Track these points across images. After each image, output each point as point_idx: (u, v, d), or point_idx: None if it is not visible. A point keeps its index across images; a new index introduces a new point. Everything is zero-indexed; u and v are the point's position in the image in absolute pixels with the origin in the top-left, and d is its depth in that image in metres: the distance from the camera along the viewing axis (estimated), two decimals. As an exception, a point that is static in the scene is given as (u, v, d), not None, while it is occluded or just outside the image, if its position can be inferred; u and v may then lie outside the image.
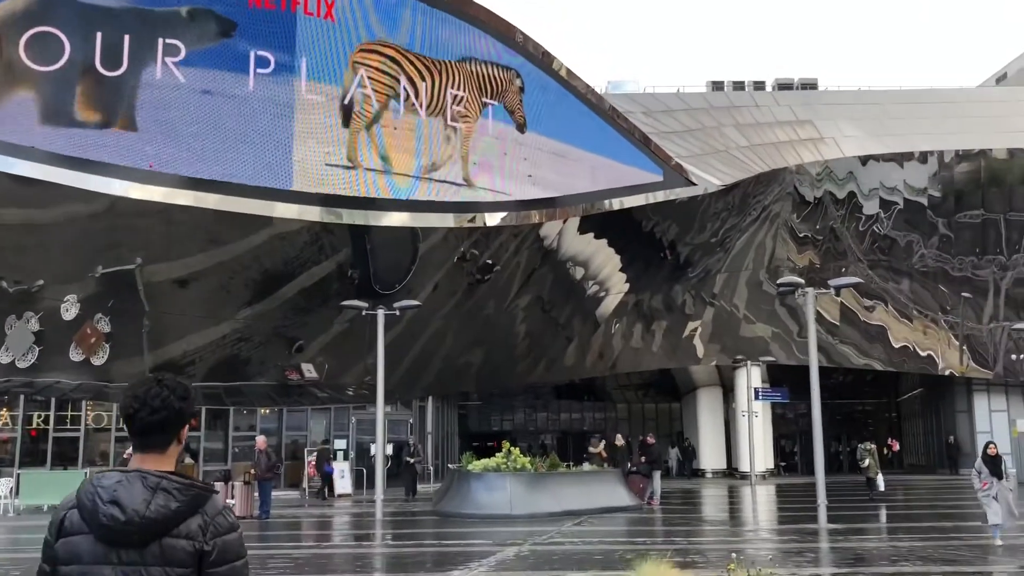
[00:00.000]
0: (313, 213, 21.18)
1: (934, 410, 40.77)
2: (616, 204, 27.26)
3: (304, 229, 22.48)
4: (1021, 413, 37.00)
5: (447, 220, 23.21)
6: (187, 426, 2.53)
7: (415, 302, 20.53)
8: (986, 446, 13.44)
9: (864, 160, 34.18)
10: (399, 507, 22.06)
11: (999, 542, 12.48)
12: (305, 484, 26.12)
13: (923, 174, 34.70)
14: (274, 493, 21.84)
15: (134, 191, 19.11)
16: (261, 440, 19.05)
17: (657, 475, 21.44)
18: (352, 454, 27.51)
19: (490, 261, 27.22)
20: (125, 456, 17.81)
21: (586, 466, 21.11)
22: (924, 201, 34.80)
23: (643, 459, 21.20)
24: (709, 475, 35.87)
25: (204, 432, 26.37)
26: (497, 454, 19.29)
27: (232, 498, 18.45)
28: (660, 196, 28.62)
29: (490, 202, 23.85)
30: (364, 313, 19.93)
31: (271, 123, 20.27)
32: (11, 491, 21.54)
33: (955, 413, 38.29)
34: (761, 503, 23.65)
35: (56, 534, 2.36)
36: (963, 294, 35.77)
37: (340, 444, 27.43)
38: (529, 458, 18.96)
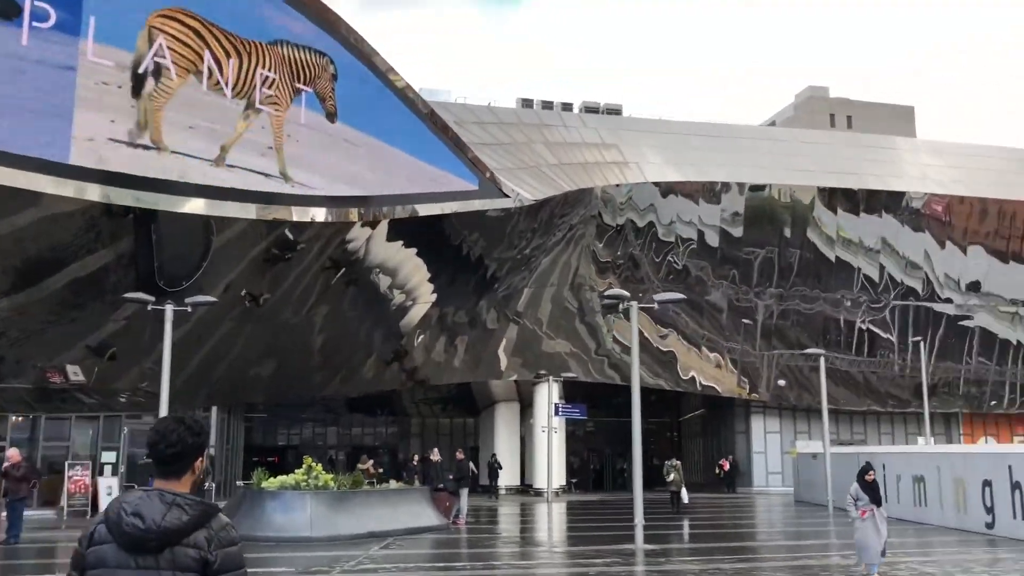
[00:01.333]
0: (93, 192, 18.61)
1: (714, 431, 42.70)
2: (436, 209, 26.26)
3: (80, 212, 19.78)
4: (792, 435, 39.49)
5: (249, 211, 21.24)
6: (201, 458, 2.98)
7: (209, 298, 18.49)
8: (864, 471, 12.14)
9: (664, 193, 35.27)
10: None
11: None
12: (64, 502, 22.95)
13: (715, 210, 36.26)
14: (26, 513, 18.90)
15: None
16: (13, 453, 16.23)
17: (465, 493, 20.51)
18: (123, 468, 24.56)
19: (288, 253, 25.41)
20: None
21: (392, 484, 19.84)
22: (716, 236, 36.37)
23: (451, 476, 20.20)
24: (503, 492, 35.44)
25: (-61, 441, 22.58)
26: (296, 471, 17.59)
27: (-28, 520, 15.60)
28: (476, 205, 27.97)
29: (300, 195, 22.13)
30: (149, 308, 17.63)
31: (48, 86, 17.62)
32: None
33: (734, 434, 40.22)
34: (565, 521, 23.30)
35: (87, 544, 2.83)
36: (744, 321, 37.63)
37: (109, 457, 24.39)
38: (332, 475, 17.42)
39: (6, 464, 16.03)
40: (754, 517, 24.37)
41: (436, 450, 21.50)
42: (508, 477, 35.22)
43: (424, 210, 27.00)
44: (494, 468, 31.23)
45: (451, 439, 45.00)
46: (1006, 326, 40.07)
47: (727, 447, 40.72)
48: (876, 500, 11.69)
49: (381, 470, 37.35)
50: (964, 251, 39.15)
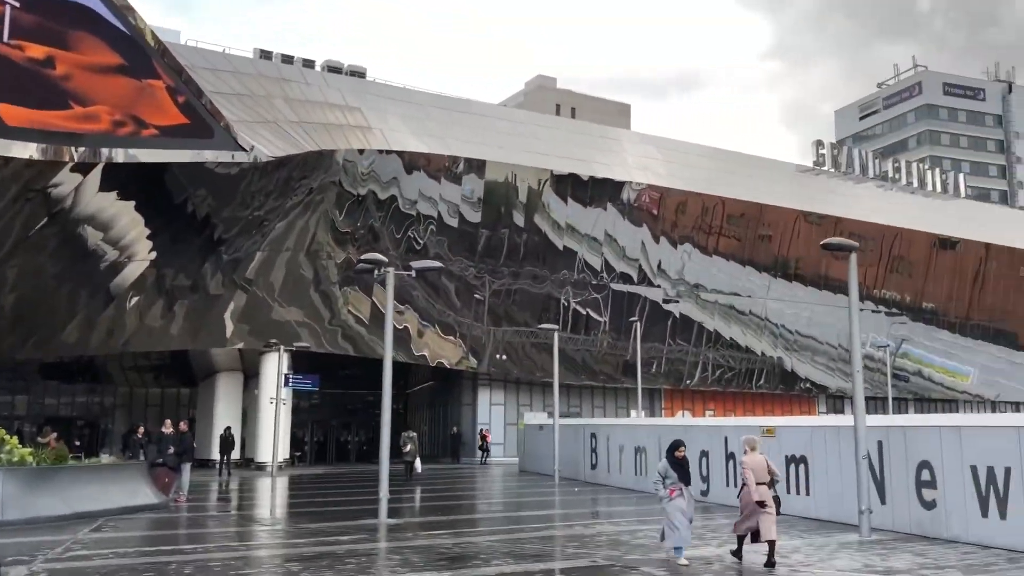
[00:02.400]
0: None
1: (442, 402, 43.08)
2: (165, 156, 23.86)
3: None
4: (516, 407, 40.75)
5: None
6: None
7: None
8: (674, 447, 11.19)
9: (409, 168, 34.75)
10: None
11: (684, 561, 10.47)
12: None
13: (456, 190, 36.32)
14: None
15: None
16: None
17: (187, 468, 18.75)
18: None
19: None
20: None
21: (104, 458, 17.69)
22: (455, 216, 36.47)
23: (171, 450, 18.35)
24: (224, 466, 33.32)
25: None
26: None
27: None
28: (209, 156, 25.79)
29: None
30: None
31: None
32: None
33: (461, 406, 40.78)
34: (298, 497, 22.15)
35: None
36: (476, 296, 38.13)
37: None
38: (30, 449, 15.10)
39: None
40: (489, 488, 24.65)
41: (168, 421, 19.48)
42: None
43: (149, 156, 24.47)
44: (228, 441, 29.07)
45: (162, 411, 41.72)
46: (703, 313, 43.92)
47: (454, 418, 41.24)
48: (685, 479, 10.96)
49: (77, 443, 33.87)
50: (675, 245, 42.38)
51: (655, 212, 41.47)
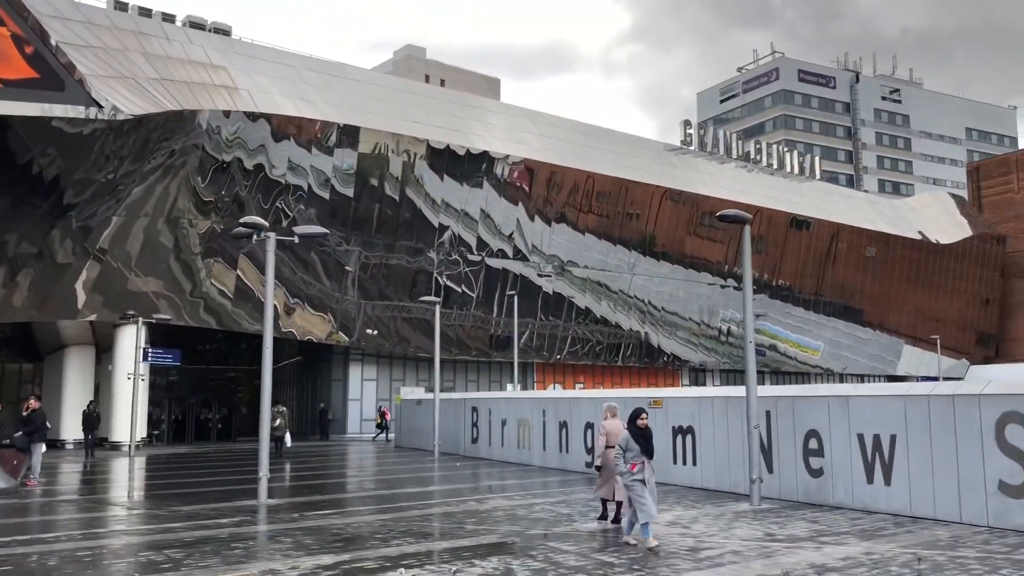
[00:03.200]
0: None
1: (311, 378, 41.78)
2: (9, 109, 21.79)
3: None
4: (388, 382, 39.97)
5: None
6: None
7: None
8: (635, 415, 10.22)
9: (278, 136, 33.19)
10: None
11: (654, 542, 9.49)
12: None
13: (327, 161, 34.99)
14: None
15: None
16: None
17: (39, 448, 17.11)
18: None
19: None
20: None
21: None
22: (326, 188, 35.15)
23: (21, 430, 16.71)
24: (71, 445, 31.09)
25: None
26: None
27: None
28: (60, 111, 23.69)
29: None
30: None
31: None
32: None
33: (331, 381, 39.65)
34: (163, 478, 20.75)
35: None
36: (347, 269, 36.99)
37: None
38: None
39: None
40: (367, 464, 23.91)
41: (33, 399, 17.73)
42: (77, 430, 30.79)
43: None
44: (92, 418, 26.81)
45: (2, 388, 38.65)
46: (573, 289, 44.29)
47: (323, 395, 40.07)
48: (648, 451, 10.12)
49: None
50: (548, 222, 42.47)
51: (528, 188, 41.37)
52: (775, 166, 56.28)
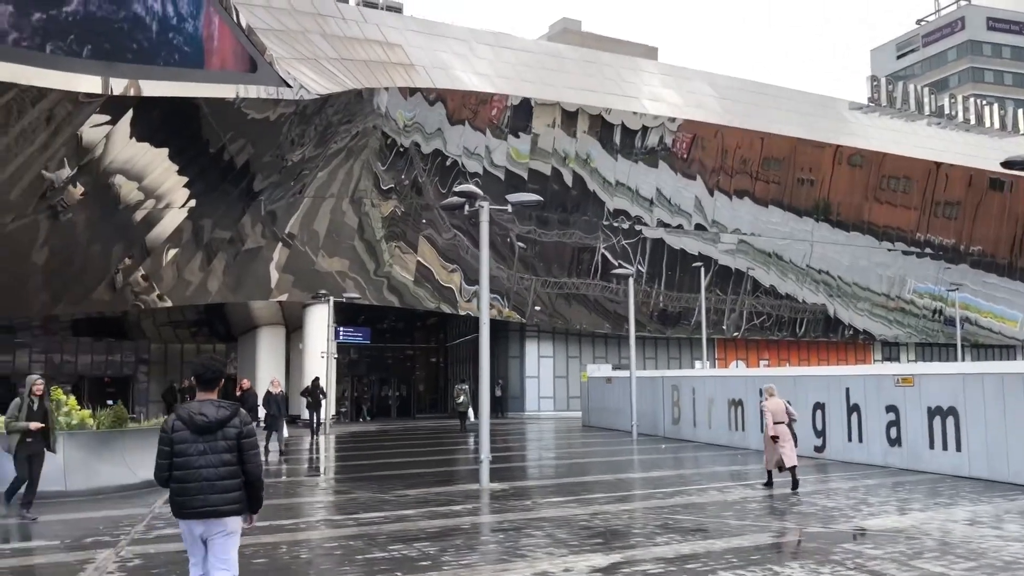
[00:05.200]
0: None
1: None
2: (209, 91, 22.01)
3: None
4: (564, 359, 39.16)
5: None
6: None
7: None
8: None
9: (453, 121, 32.83)
10: None
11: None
12: None
13: (503, 145, 34.37)
14: None
15: None
16: None
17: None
18: None
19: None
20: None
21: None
22: (501, 171, 34.56)
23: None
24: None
25: None
26: (41, 406, 13.47)
27: None
28: (253, 92, 23.89)
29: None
30: None
31: None
32: None
33: (508, 359, 39.18)
34: (374, 458, 20.54)
35: (170, 431, 5.20)
36: (520, 245, 36.33)
37: None
38: (89, 411, 13.49)
39: None
40: (564, 445, 23.04)
41: (245, 380, 17.87)
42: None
43: (192, 90, 22.61)
44: (318, 397, 26.05)
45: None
46: (741, 260, 41.86)
47: (500, 371, 39.69)
48: None
49: (110, 402, 32.42)
50: (718, 190, 40.30)
51: (697, 156, 39.31)
52: (972, 121, 51.49)
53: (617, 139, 37.52)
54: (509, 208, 14.51)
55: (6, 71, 20.76)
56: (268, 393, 18.02)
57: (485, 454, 13.52)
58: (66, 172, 23.85)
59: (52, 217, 25.85)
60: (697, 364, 37.90)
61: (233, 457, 5.14)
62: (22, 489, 10.93)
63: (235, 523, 5.24)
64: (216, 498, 5.10)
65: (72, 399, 13.30)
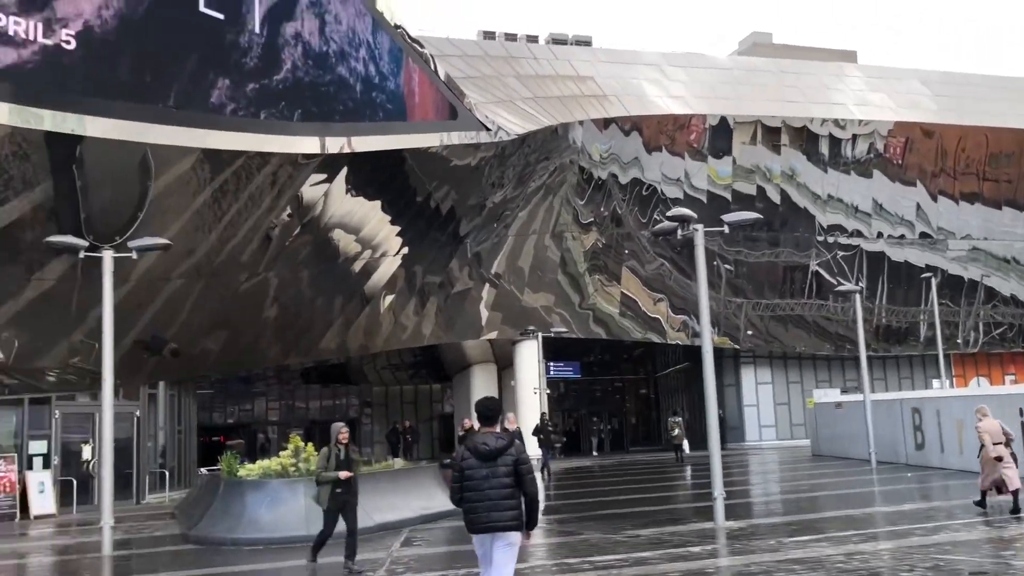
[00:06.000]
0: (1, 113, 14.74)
1: (700, 384, 40.30)
2: (418, 141, 22.80)
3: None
4: (784, 385, 37.33)
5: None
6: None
7: (160, 240, 14.84)
8: None
9: (650, 149, 32.49)
10: (130, 531, 16.14)
11: None
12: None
13: (702, 168, 33.61)
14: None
15: None
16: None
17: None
18: (56, 460, 20.68)
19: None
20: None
21: (397, 462, 16.61)
22: (703, 194, 33.75)
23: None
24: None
25: None
26: (281, 452, 14.22)
27: None
28: (456, 138, 24.59)
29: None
30: (84, 256, 13.96)
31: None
32: None
33: (723, 387, 37.80)
34: (590, 495, 20.28)
35: (460, 459, 6.27)
36: (727, 267, 35.16)
37: (38, 447, 20.46)
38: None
39: None
40: (792, 477, 21.75)
41: (467, 419, 18.23)
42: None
43: (399, 142, 23.55)
44: (548, 434, 25.79)
45: (416, 407, 41.88)
46: (968, 267, 38.32)
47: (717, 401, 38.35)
48: None
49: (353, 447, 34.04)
50: (940, 195, 37.28)
51: (909, 161, 36.50)
52: None
53: (824, 150, 35.75)
54: (726, 229, 13.87)
55: (232, 140, 22.46)
56: (505, 430, 18.05)
57: (718, 491, 12.82)
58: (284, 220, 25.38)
59: (279, 275, 27.61)
60: (935, 383, 34.92)
61: (511, 480, 6.06)
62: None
63: (515, 537, 6.14)
64: (498, 515, 6.02)
65: (310, 446, 13.88)
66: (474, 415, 20.83)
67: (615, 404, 45.37)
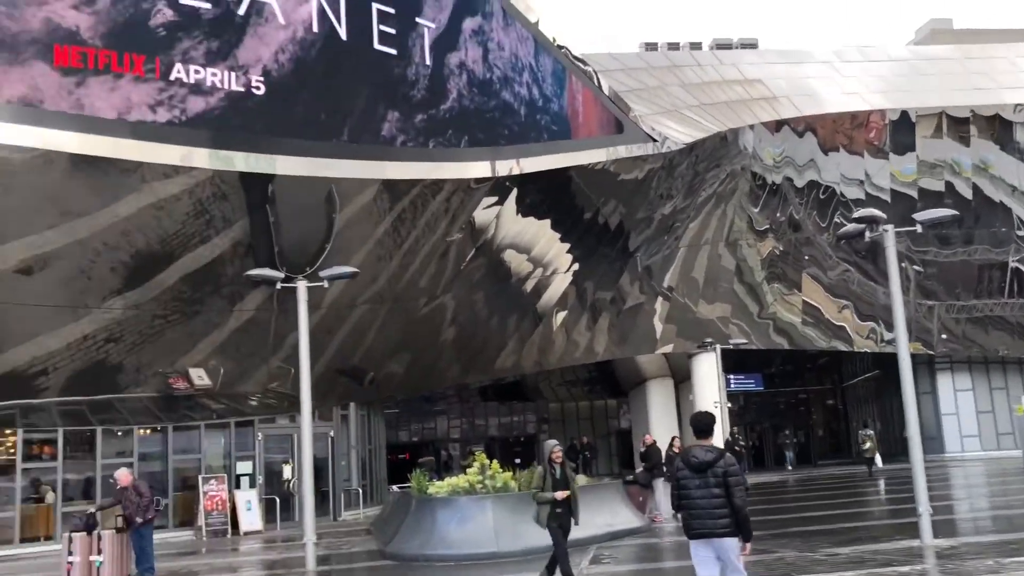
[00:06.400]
0: (200, 158, 15.96)
1: (892, 394, 38.10)
2: (584, 158, 22.98)
3: (185, 194, 17.24)
4: (986, 391, 34.75)
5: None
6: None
7: (349, 268, 15.61)
8: None
9: (826, 149, 31.21)
10: (331, 546, 17.00)
11: None
12: (202, 521, 20.63)
13: (884, 166, 31.94)
14: (160, 535, 16.53)
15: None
16: (123, 474, 13.48)
17: (660, 484, 17.05)
18: (261, 479, 22.10)
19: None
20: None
21: (580, 478, 16.69)
22: (887, 193, 32.03)
23: (643, 465, 16.86)
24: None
25: (63, 462, 20.47)
26: (468, 470, 14.58)
27: (99, 553, 13.08)
28: (623, 152, 24.55)
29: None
30: (280, 287, 14.88)
31: None
32: None
33: (917, 395, 35.45)
34: (779, 512, 19.57)
35: (676, 470, 6.83)
36: (916, 269, 33.12)
37: (244, 468, 21.97)
38: (511, 473, 14.29)
39: (119, 488, 13.39)
40: (1014, 491, 20.15)
41: (648, 435, 18.14)
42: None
43: (566, 160, 23.76)
44: (739, 453, 24.99)
45: (592, 423, 41.86)
46: None
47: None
48: None
49: (517, 460, 34.50)
50: None
51: None
52: None
53: (1020, 138, 33.15)
54: (919, 228, 13.05)
55: (408, 169, 23.35)
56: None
57: (924, 506, 12.05)
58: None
59: (456, 298, 28.41)
60: None
61: (721, 491, 6.44)
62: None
63: (732, 543, 6.56)
64: (712, 523, 6.50)
65: (495, 463, 14.13)
66: (654, 430, 20.70)
67: (800, 416, 43.64)
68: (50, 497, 20.26)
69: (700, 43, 36.42)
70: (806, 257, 31.83)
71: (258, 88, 16.45)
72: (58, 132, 14.69)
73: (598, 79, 24.38)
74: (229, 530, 20.68)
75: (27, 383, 18.32)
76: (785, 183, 30.98)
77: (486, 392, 40.69)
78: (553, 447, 10.59)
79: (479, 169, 22.81)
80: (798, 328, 31.75)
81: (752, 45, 36.71)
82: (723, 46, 36.33)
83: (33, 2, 14.41)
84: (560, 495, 10.12)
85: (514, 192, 25.95)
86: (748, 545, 6.60)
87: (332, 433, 24.02)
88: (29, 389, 18.49)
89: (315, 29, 17.37)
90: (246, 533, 20.67)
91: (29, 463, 20.27)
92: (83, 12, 14.74)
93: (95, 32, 14.86)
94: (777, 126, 30.21)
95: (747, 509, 6.54)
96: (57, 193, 16.13)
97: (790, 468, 36.09)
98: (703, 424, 6.75)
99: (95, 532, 13.19)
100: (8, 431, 20.34)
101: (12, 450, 20.22)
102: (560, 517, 10.23)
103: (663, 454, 17.01)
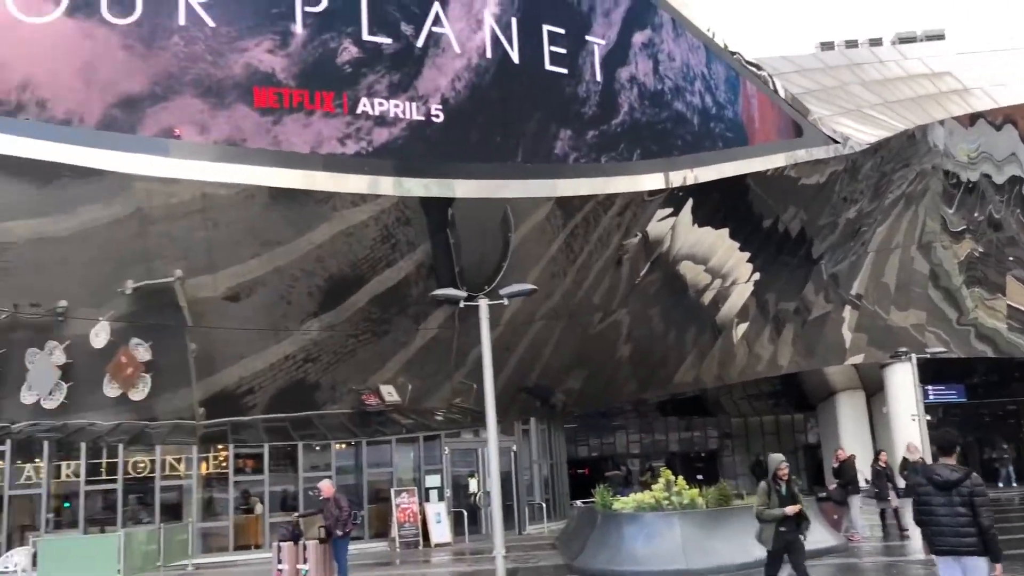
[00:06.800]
0: (385, 186, 16.75)
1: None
2: (761, 164, 22.46)
3: (372, 220, 18.16)
4: None
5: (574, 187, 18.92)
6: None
7: (527, 286, 15.90)
8: None
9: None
10: (518, 559, 17.28)
11: None
12: (395, 532, 21.50)
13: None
14: (356, 546, 17.38)
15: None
16: (326, 485, 14.35)
17: (856, 501, 16.24)
18: (448, 492, 22.80)
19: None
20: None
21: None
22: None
23: (837, 482, 16.14)
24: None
25: (268, 476, 21.93)
26: (654, 487, 14.47)
27: (305, 562, 13.91)
28: (803, 155, 23.76)
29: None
30: (463, 305, 15.37)
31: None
32: (27, 564, 17.29)
33: None
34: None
35: (916, 486, 6.77)
36: None
37: (432, 481, 22.74)
38: (697, 490, 14.06)
39: (321, 499, 14.24)
40: None
41: (841, 449, 17.43)
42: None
43: (742, 167, 23.24)
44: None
45: (778, 438, 40.35)
46: None
47: None
48: None
49: (699, 476, 33.66)
50: None
51: None
52: None
53: None
54: None
55: (580, 186, 23.53)
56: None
57: None
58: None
59: (631, 313, 28.28)
60: None
61: (967, 511, 6.43)
62: None
63: (982, 564, 6.46)
64: (957, 540, 6.46)
65: (680, 479, 13.95)
66: (845, 445, 19.88)
67: (1008, 429, 40.29)
68: (259, 508, 21.73)
69: (880, 39, 34.55)
70: (1010, 258, 29.58)
71: (437, 116, 17.11)
72: (258, 168, 15.84)
73: (773, 83, 23.72)
74: (420, 542, 21.42)
75: (236, 401, 19.78)
76: (983, 180, 28.95)
77: (665, 407, 40.14)
78: (779, 463, 10.22)
79: (652, 181, 22.69)
80: (1003, 334, 29.49)
81: (939, 37, 34.49)
82: (906, 40, 34.34)
83: (235, 49, 15.68)
84: (791, 510, 9.82)
85: (689, 202, 25.60)
86: (999, 566, 6.43)
87: (515, 448, 24.43)
88: (238, 407, 19.93)
89: (488, 55, 17.90)
90: (436, 545, 21.35)
91: (239, 476, 21.84)
92: (278, 55, 15.89)
93: (289, 73, 15.98)
94: (971, 120, 28.31)
95: (995, 529, 6.43)
96: (258, 225, 17.42)
97: (1001, 485, 33.36)
98: (946, 442, 6.86)
99: (301, 541, 14.02)
100: (220, 447, 22.01)
101: (224, 464, 21.87)
102: (785, 536, 9.89)
103: (870, 470, 16.20)
